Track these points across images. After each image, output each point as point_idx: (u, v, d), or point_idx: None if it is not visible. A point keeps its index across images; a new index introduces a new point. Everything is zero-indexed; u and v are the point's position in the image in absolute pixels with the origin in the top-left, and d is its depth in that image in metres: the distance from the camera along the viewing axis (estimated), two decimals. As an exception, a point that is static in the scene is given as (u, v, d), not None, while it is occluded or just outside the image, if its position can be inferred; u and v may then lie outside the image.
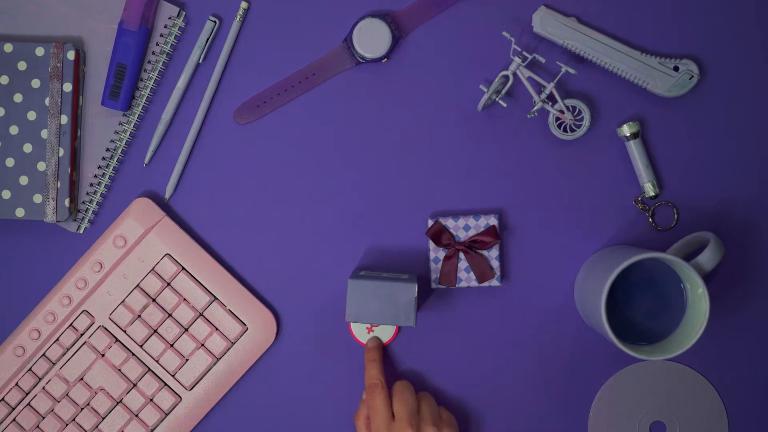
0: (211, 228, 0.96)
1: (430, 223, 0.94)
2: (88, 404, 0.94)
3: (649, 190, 0.94)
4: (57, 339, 0.94)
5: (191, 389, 0.95)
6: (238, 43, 0.96)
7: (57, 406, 0.94)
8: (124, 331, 0.94)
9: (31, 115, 0.93)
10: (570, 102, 0.94)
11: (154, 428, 0.94)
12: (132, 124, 0.95)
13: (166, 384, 0.95)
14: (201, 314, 0.95)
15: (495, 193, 0.96)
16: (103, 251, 0.94)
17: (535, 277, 0.96)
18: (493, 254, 0.94)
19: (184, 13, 0.96)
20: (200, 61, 0.96)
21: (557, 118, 0.95)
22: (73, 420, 0.94)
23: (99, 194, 0.96)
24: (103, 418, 0.94)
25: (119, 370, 0.94)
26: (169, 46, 0.95)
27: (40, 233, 0.96)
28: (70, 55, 0.93)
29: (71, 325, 0.94)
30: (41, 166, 0.93)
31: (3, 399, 0.94)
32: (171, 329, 0.94)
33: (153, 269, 0.94)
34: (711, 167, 0.96)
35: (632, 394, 0.96)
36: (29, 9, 0.95)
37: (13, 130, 0.93)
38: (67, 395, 0.94)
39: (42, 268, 0.96)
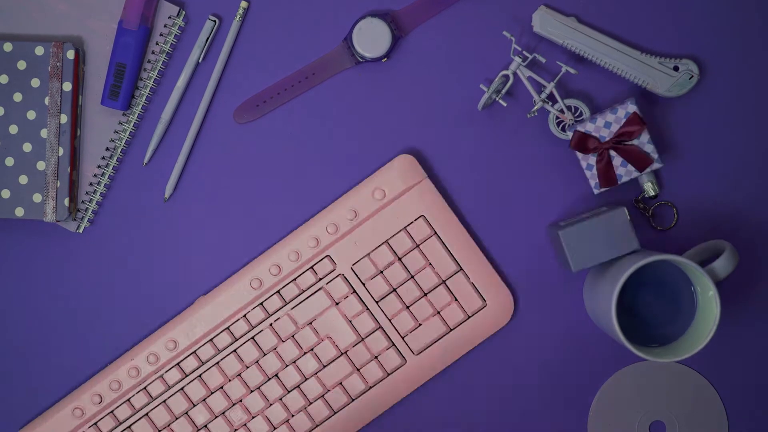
0: (211, 228, 0.96)
1: (570, 135, 0.93)
2: (312, 349, 0.93)
3: (649, 189, 0.94)
4: (295, 279, 0.93)
5: (418, 354, 0.94)
6: (237, 43, 0.96)
7: (281, 345, 0.93)
8: (363, 284, 0.93)
9: (31, 115, 0.93)
10: (570, 102, 0.94)
11: (373, 386, 0.93)
12: (132, 124, 0.95)
13: (394, 344, 0.93)
14: (444, 282, 0.93)
15: (494, 192, 0.96)
16: (361, 200, 0.93)
17: (535, 277, 0.96)
18: (643, 140, 0.92)
19: (184, 12, 0.96)
20: (200, 60, 0.96)
21: (557, 118, 0.95)
22: (294, 362, 0.93)
23: (99, 194, 0.95)
24: (324, 366, 0.93)
25: (350, 322, 0.93)
26: (169, 45, 0.95)
27: (40, 233, 0.96)
28: (70, 54, 0.93)
29: (312, 267, 0.93)
30: (41, 165, 0.93)
31: (228, 328, 0.93)
32: (411, 291, 0.93)
33: (405, 228, 0.93)
34: (711, 167, 0.96)
35: (632, 394, 0.96)
36: (29, 8, 0.95)
37: (13, 129, 0.93)
38: (293, 336, 0.93)
39: (41, 268, 0.96)
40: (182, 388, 0.94)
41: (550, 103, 0.95)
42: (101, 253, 0.97)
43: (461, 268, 0.93)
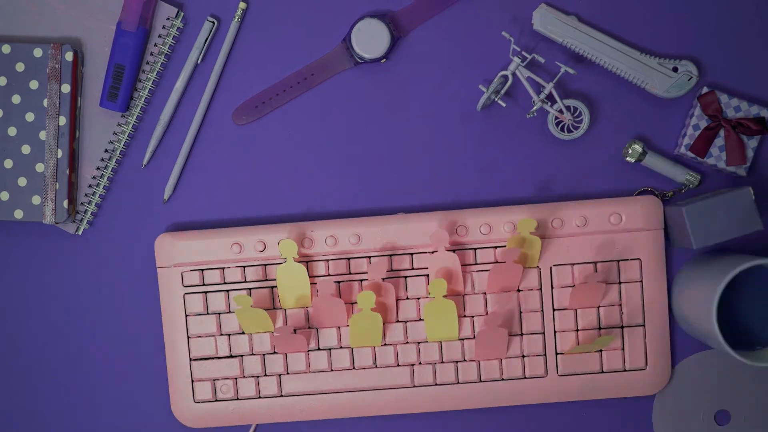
0: (210, 228, 0.96)
1: (705, 90, 0.93)
2: (473, 317, 0.93)
3: (694, 181, 0.94)
4: (497, 246, 0.93)
5: (561, 376, 0.94)
6: (236, 44, 0.96)
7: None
8: (552, 288, 0.93)
9: (30, 117, 0.93)
10: (569, 102, 0.94)
11: (504, 380, 0.93)
12: (130, 125, 0.95)
13: (545, 355, 0.93)
14: (623, 327, 0.93)
15: (493, 193, 0.96)
16: (596, 213, 0.93)
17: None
18: (752, 144, 0.93)
19: (183, 13, 0.96)
20: (199, 61, 0.95)
21: (556, 118, 0.94)
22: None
23: (98, 195, 0.95)
24: (473, 338, 0.93)
25: (521, 313, 0.93)
26: (168, 46, 0.95)
27: (39, 235, 0.96)
28: (69, 56, 0.92)
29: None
30: (40, 167, 0.93)
31: (412, 255, 0.93)
32: (590, 319, 0.93)
33: (619, 261, 0.93)
34: (710, 168, 0.96)
35: (697, 383, 0.95)
36: (28, 9, 0.94)
37: (12, 131, 0.93)
38: (463, 296, 0.94)
39: (41, 270, 0.96)
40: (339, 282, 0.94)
41: (549, 104, 0.95)
42: (100, 255, 0.97)
43: (644, 324, 0.94)
